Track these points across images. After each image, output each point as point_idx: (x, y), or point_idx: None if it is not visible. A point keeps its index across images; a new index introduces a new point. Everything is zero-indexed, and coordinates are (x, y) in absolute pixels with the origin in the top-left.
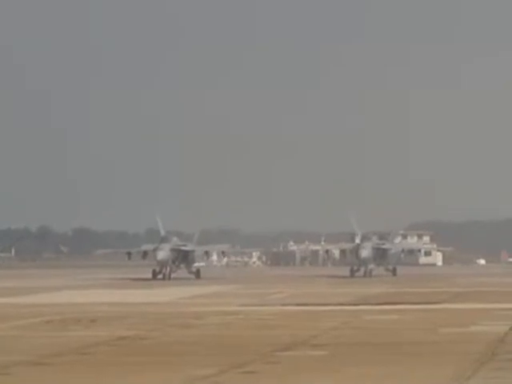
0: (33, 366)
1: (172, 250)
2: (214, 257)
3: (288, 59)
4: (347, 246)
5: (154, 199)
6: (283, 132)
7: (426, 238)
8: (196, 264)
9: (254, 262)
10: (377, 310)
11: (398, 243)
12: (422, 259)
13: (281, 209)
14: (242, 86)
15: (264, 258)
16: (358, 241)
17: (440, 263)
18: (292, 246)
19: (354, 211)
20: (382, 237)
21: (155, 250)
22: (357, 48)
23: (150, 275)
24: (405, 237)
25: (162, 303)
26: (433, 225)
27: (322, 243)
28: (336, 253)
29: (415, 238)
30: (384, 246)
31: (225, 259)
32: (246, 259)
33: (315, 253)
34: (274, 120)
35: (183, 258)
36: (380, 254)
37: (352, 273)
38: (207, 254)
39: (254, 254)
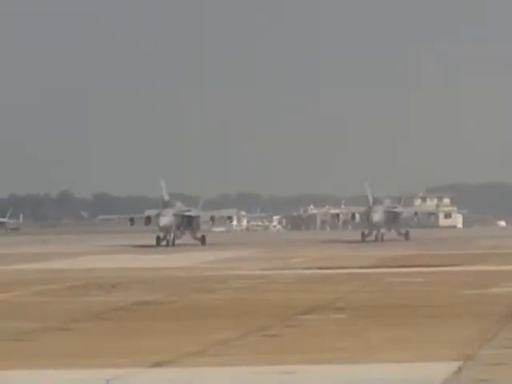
0: (55, 331)
1: (175, 215)
2: (234, 221)
3: None
4: (358, 209)
5: (171, 163)
6: (303, 94)
7: (447, 201)
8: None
9: (275, 226)
10: (397, 272)
11: (410, 207)
12: (442, 221)
13: (301, 172)
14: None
15: (284, 222)
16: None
17: (460, 225)
18: (312, 210)
19: (368, 174)
20: (395, 200)
21: (158, 215)
22: None
23: (153, 242)
24: (424, 199)
25: (182, 268)
26: (453, 187)
27: (343, 207)
28: (357, 216)
29: (435, 201)
30: (396, 210)
31: (245, 223)
32: (266, 223)
33: (335, 217)
34: (300, 77)
35: (188, 223)
36: (392, 218)
37: (363, 237)
38: (213, 219)
39: (274, 218)
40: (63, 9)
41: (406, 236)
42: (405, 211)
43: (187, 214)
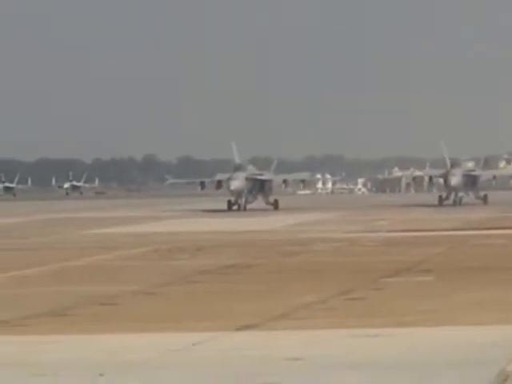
0: (141, 295)
1: (247, 179)
2: (320, 184)
3: None
4: (436, 172)
5: (256, 126)
6: (392, 57)
7: None
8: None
9: (360, 189)
10: (483, 234)
11: (492, 169)
12: None
13: (386, 134)
14: None
15: (369, 185)
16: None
17: None
18: (397, 172)
19: (452, 136)
20: (477, 162)
21: (229, 179)
22: None
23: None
24: (509, 161)
25: (265, 231)
26: None
27: (427, 169)
28: (439, 180)
29: None
30: (474, 173)
31: (330, 186)
32: (351, 186)
33: (420, 179)
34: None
35: (260, 187)
36: (470, 181)
37: (440, 201)
38: (286, 182)
39: (359, 180)
40: None
41: (485, 200)
42: (483, 174)
43: (259, 177)
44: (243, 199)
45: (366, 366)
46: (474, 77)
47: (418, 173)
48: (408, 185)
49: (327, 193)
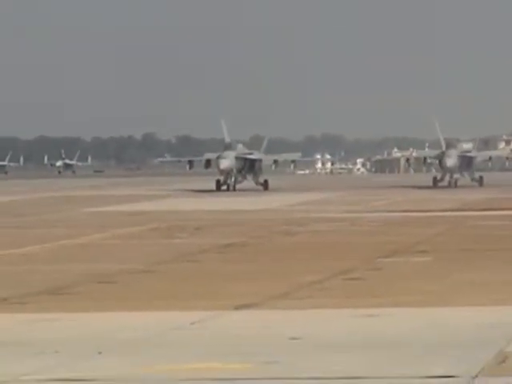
0: (140, 274)
1: (237, 158)
2: (319, 164)
3: None
4: (431, 153)
5: (256, 106)
6: (391, 37)
7: None
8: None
9: (359, 169)
10: (481, 215)
11: (491, 150)
12: None
13: (385, 114)
14: None
15: (368, 165)
16: (443, 148)
17: None
18: (396, 153)
19: (450, 116)
20: (476, 143)
21: (218, 158)
22: None
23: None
24: (508, 142)
25: (264, 210)
26: None
27: (426, 149)
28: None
29: None
30: (470, 154)
31: (329, 166)
32: (350, 166)
33: (419, 160)
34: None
35: (250, 167)
36: (466, 163)
37: (435, 182)
38: (276, 163)
39: (358, 160)
40: None
41: (480, 182)
42: (479, 155)
43: (249, 157)
44: (232, 179)
45: (365, 346)
46: (472, 58)
47: (414, 154)
48: (407, 165)
49: (326, 173)
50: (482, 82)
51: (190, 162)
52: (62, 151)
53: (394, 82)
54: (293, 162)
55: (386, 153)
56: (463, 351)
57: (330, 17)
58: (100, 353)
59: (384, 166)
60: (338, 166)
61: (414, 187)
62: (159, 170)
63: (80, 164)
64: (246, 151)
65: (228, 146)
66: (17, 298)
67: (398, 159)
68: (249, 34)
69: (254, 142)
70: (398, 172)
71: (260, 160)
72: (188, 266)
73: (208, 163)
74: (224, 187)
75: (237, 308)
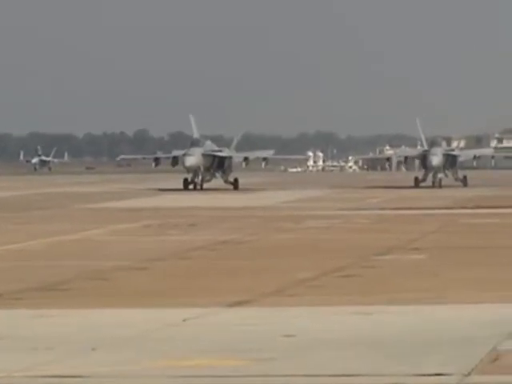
0: (133, 270)
1: (204, 155)
2: (311, 162)
3: None
4: (412, 152)
5: (247, 103)
6: (380, 39)
7: None
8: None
9: (351, 167)
10: (474, 213)
11: (468, 150)
12: None
13: (377, 112)
14: None
15: (360, 163)
16: (424, 147)
17: None
18: (388, 151)
19: (442, 114)
20: (449, 142)
21: (184, 155)
22: None
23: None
24: (500, 140)
25: (258, 207)
26: None
27: (419, 147)
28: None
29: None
30: (454, 153)
31: (321, 164)
32: (342, 164)
33: (411, 158)
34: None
35: (218, 165)
36: (450, 162)
37: (416, 183)
38: (247, 160)
39: (350, 158)
40: None
41: (464, 182)
42: (462, 154)
43: (217, 154)
44: (200, 177)
45: (359, 343)
46: (465, 56)
47: (389, 152)
48: (399, 163)
49: (318, 170)
50: (474, 81)
51: (156, 160)
52: (39, 147)
53: (386, 79)
54: (264, 159)
55: (378, 151)
56: (457, 349)
57: (323, 13)
58: (94, 349)
59: (376, 164)
60: (329, 163)
61: (393, 187)
62: (150, 167)
63: (56, 161)
64: (215, 148)
65: (195, 143)
66: (11, 294)
67: (389, 157)
68: (242, 33)
69: (245, 140)
70: (390, 170)
71: (230, 157)
72: (181, 263)
73: (175, 161)
74: (191, 186)
75: (230, 305)
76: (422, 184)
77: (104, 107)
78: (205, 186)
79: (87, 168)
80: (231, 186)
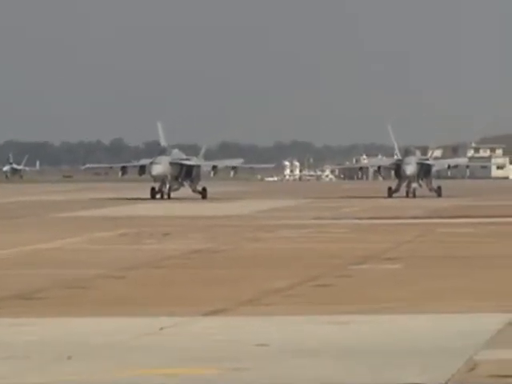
0: (109, 279)
1: (171, 164)
2: (287, 171)
3: None
4: (386, 161)
5: (224, 112)
6: (351, 49)
7: (499, 152)
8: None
9: (327, 176)
10: (450, 223)
11: (443, 159)
12: (495, 173)
13: (353, 121)
14: None
15: (337, 172)
16: (398, 156)
17: None
18: (364, 160)
19: (420, 123)
20: (423, 152)
21: (151, 163)
22: None
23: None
24: (477, 150)
25: (232, 216)
26: (506, 138)
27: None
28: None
29: (488, 152)
30: (428, 162)
31: (297, 173)
32: (318, 173)
33: (384, 167)
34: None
35: (186, 174)
36: (424, 171)
37: (390, 193)
38: (215, 169)
39: (326, 167)
40: None
41: (439, 192)
42: (436, 164)
43: (185, 162)
44: (167, 186)
45: (334, 353)
46: (442, 64)
47: (364, 161)
48: (376, 172)
49: (294, 179)
50: (451, 90)
51: (123, 168)
52: (10, 155)
53: (362, 88)
54: (233, 168)
55: (354, 160)
56: (433, 358)
57: (303, 19)
58: (70, 357)
59: (352, 173)
60: (306, 172)
61: (366, 197)
62: (131, 175)
63: (27, 169)
64: (183, 156)
65: (162, 151)
66: None
67: (366, 166)
68: (224, 37)
69: (222, 149)
70: (367, 179)
71: (198, 166)
72: (157, 272)
73: (142, 169)
74: (158, 196)
75: (205, 314)
76: (396, 194)
77: (80, 116)
78: (172, 195)
79: (65, 176)
80: (199, 196)
